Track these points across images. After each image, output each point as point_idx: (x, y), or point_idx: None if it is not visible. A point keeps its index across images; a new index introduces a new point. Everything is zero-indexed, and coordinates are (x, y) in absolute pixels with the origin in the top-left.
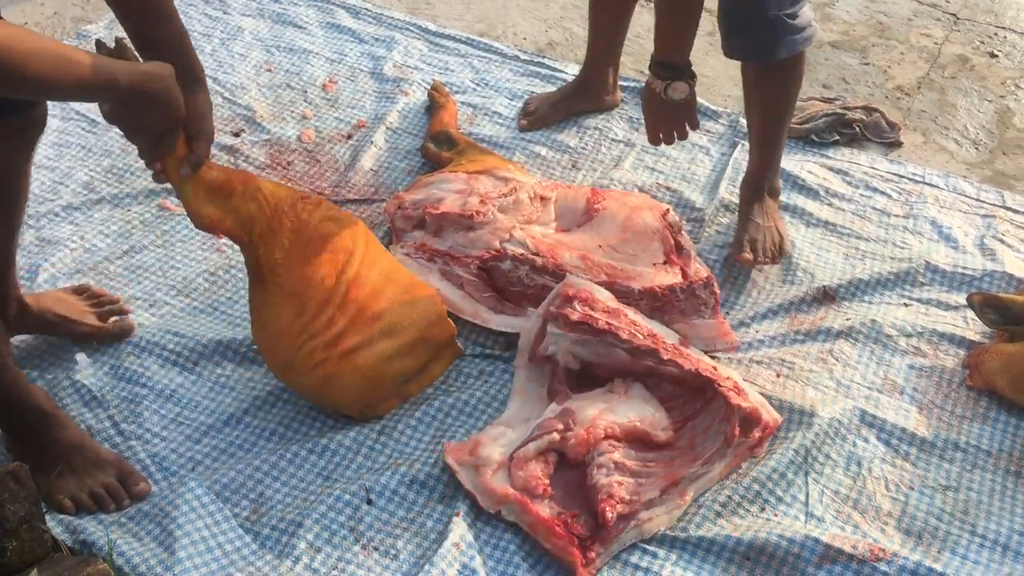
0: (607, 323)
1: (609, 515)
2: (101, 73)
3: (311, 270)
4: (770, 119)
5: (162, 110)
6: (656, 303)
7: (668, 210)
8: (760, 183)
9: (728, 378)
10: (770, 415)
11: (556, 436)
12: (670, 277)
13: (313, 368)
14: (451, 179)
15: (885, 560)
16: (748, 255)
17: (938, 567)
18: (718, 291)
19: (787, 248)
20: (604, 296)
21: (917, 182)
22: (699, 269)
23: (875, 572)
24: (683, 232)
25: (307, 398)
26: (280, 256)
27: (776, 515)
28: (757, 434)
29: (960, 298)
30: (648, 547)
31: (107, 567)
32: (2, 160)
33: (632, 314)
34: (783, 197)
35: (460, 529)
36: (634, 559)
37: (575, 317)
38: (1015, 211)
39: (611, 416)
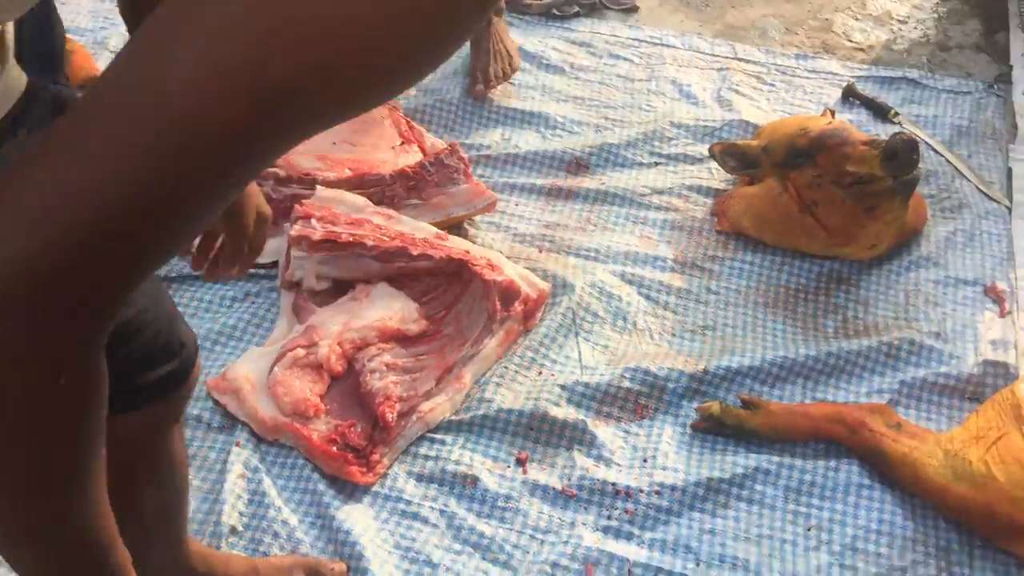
0: (351, 235)
1: (389, 416)
2: None
3: None
4: None
5: None
6: (410, 183)
7: None
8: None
9: (482, 257)
10: (533, 287)
11: (301, 352)
12: (412, 156)
13: None
14: None
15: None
16: (480, 87)
17: (704, 385)
18: (464, 155)
19: (517, 64)
20: (351, 201)
21: (656, 44)
22: (435, 142)
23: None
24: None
25: None
26: None
27: (553, 375)
28: (519, 307)
29: (704, 150)
30: (436, 436)
31: None
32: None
33: (378, 218)
34: (531, 77)
35: (243, 456)
36: (423, 450)
37: (317, 236)
38: (746, 61)
39: (359, 322)
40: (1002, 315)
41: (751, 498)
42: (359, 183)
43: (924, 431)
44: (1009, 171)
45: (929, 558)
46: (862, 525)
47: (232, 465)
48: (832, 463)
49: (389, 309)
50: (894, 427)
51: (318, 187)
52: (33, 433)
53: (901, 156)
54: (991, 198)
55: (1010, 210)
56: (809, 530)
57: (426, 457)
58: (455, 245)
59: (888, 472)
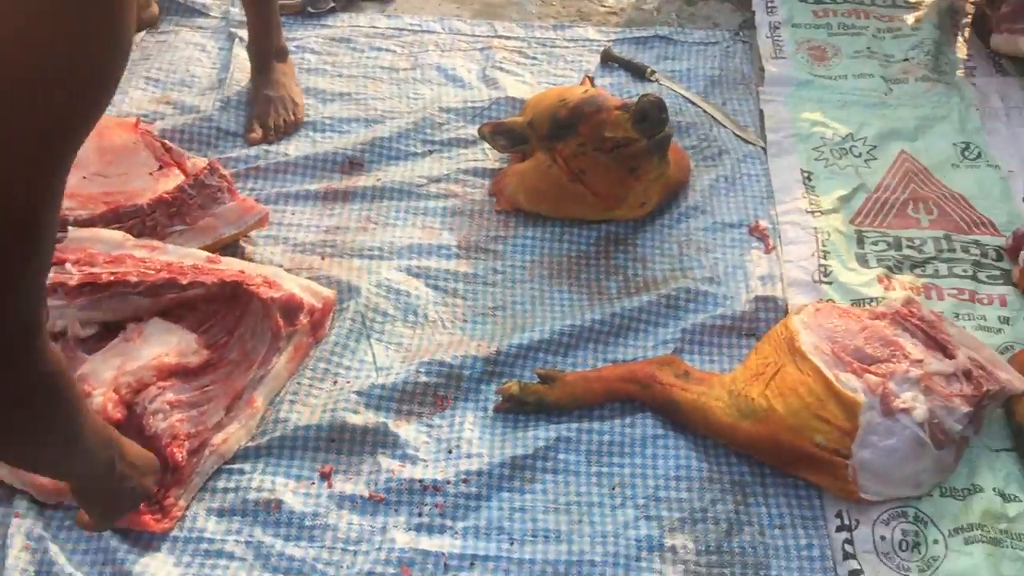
0: (111, 274)
1: (179, 456)
2: None
3: None
4: None
5: None
6: (171, 209)
7: (138, 119)
8: (264, 50)
9: (258, 275)
10: (318, 296)
11: None
12: (173, 179)
13: None
14: None
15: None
16: (256, 134)
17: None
18: (227, 172)
19: (302, 113)
20: (108, 238)
21: (417, 32)
22: (196, 161)
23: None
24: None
25: None
26: None
27: (348, 382)
28: (305, 319)
29: (475, 132)
30: (234, 466)
31: None
32: None
33: (141, 251)
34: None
35: (24, 526)
36: (222, 483)
37: (74, 281)
38: (506, 38)
39: (134, 363)
40: (767, 251)
41: (556, 468)
42: (115, 217)
43: (710, 375)
44: (761, 113)
45: (726, 494)
46: (661, 474)
47: (13, 539)
48: (628, 420)
49: (165, 345)
50: (682, 376)
51: (70, 228)
52: None
53: (650, 116)
54: (748, 141)
55: (765, 150)
56: (613, 488)
57: (226, 490)
58: (228, 267)
59: (681, 420)
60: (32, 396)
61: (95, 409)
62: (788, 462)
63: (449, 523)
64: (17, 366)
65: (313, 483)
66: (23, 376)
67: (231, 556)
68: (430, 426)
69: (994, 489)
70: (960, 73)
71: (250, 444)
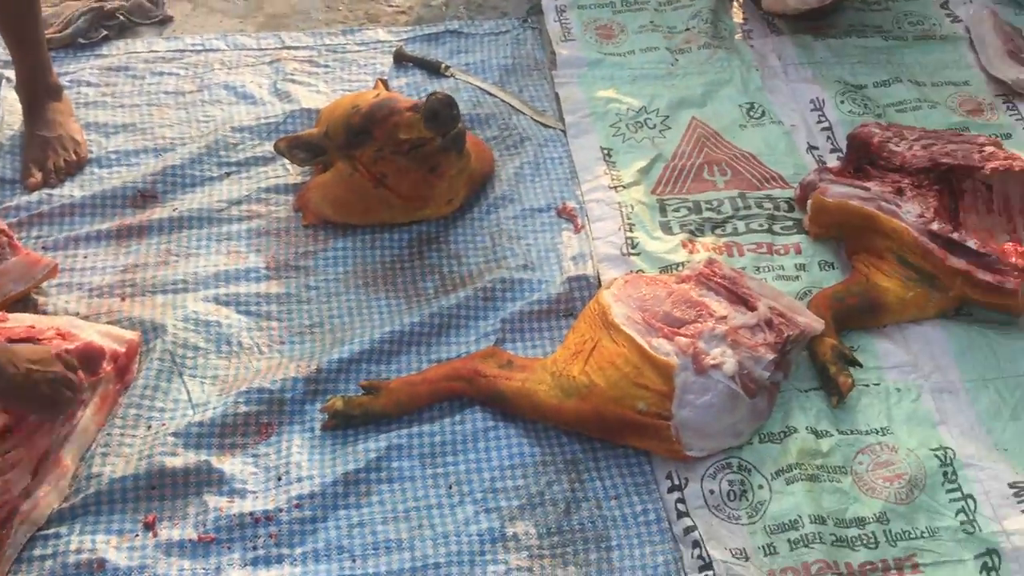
0: None
1: None
2: None
3: None
4: (24, 18)
5: None
6: None
7: None
8: (35, 89)
9: (49, 328)
10: (120, 340)
11: None
12: None
13: None
14: None
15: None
16: (35, 179)
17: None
18: (4, 225)
19: (84, 152)
20: None
21: (200, 51)
22: None
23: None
24: None
25: None
26: None
27: (164, 425)
28: (109, 366)
29: (272, 149)
30: (49, 531)
31: None
32: None
33: None
34: None
35: None
36: (38, 551)
37: None
38: (295, 48)
39: None
40: (577, 231)
41: (391, 477)
42: None
43: (533, 361)
44: (557, 96)
45: (561, 475)
46: (496, 466)
47: None
48: (457, 417)
49: None
50: (506, 365)
51: None
52: None
53: (440, 115)
54: (547, 125)
55: (565, 132)
56: (450, 488)
57: (43, 557)
58: (16, 324)
59: (509, 409)
60: None
61: None
62: (615, 433)
63: (286, 551)
64: None
65: (137, 535)
66: None
67: None
68: (256, 456)
69: (807, 428)
70: (738, 37)
71: (64, 505)
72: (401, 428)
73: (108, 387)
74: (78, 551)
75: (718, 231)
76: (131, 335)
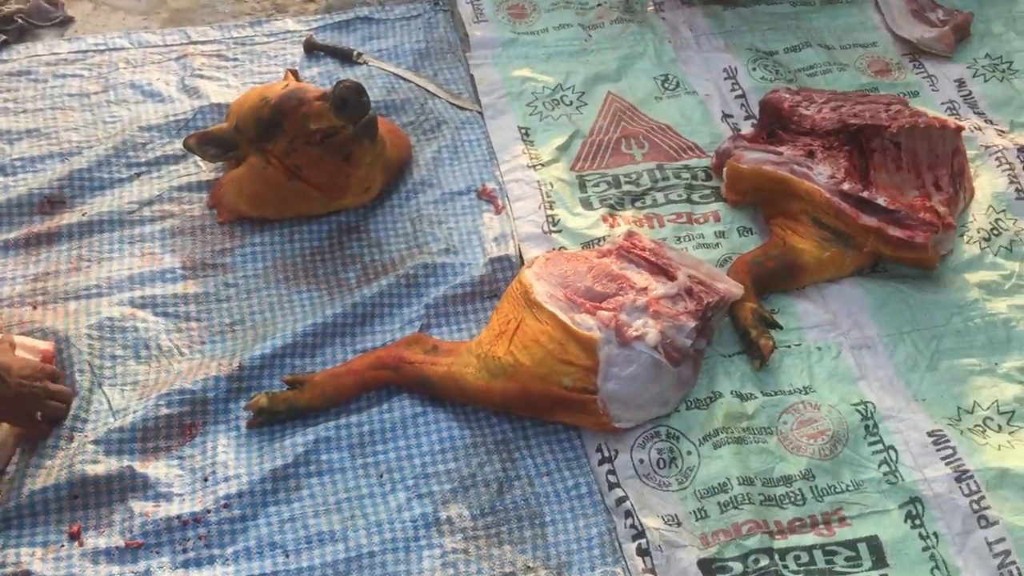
0: None
1: None
2: None
3: None
4: None
5: None
6: None
7: None
8: None
9: None
10: (32, 351)
11: None
12: None
13: None
14: None
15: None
16: None
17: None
18: None
19: None
20: None
21: (104, 51)
22: None
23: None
24: None
25: None
26: None
27: (85, 435)
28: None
29: (182, 146)
30: None
31: None
32: None
33: None
34: None
35: None
36: None
37: None
38: (202, 42)
39: None
40: (498, 212)
41: (320, 470)
42: None
43: (458, 344)
44: (472, 78)
45: (492, 456)
46: (427, 451)
47: None
48: (385, 406)
49: None
50: (431, 351)
51: None
52: None
53: (350, 102)
54: (464, 108)
55: (482, 114)
56: (381, 476)
57: None
58: None
59: (437, 394)
60: None
61: None
62: (543, 410)
63: (217, 552)
64: None
65: (63, 545)
66: None
67: None
68: (181, 458)
69: (732, 392)
70: (650, 9)
71: None
72: (328, 421)
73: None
74: (2, 564)
75: (638, 204)
76: (45, 345)
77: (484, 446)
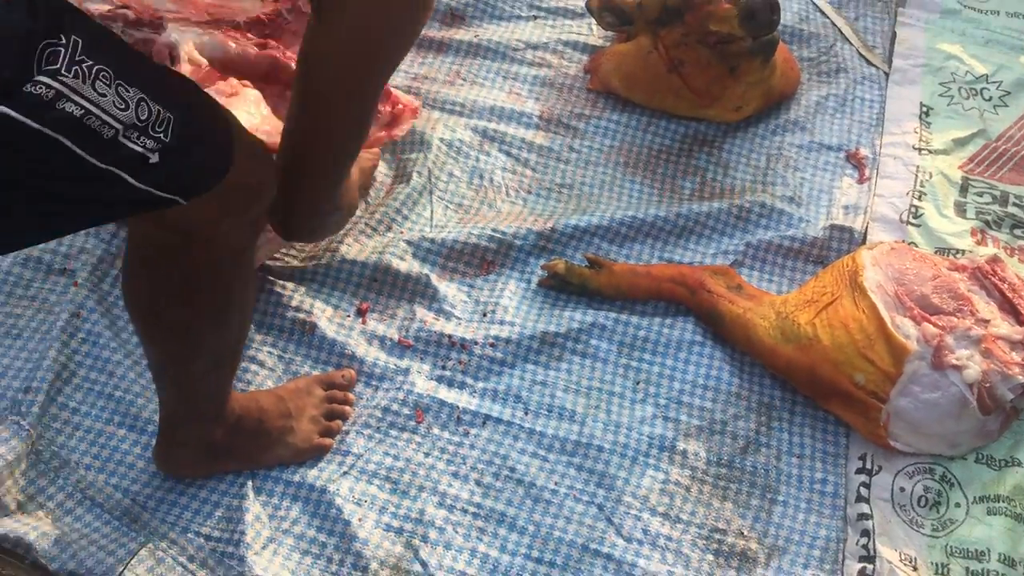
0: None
1: None
2: None
3: None
4: None
5: None
6: (265, 30)
7: None
8: None
9: None
10: (404, 98)
11: None
12: (271, 6)
13: None
14: None
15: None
16: None
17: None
18: None
19: None
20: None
21: None
22: None
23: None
24: None
25: None
26: None
27: (402, 232)
28: (387, 108)
29: (583, 4)
30: (277, 283)
31: None
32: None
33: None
34: None
35: (79, 296)
36: (262, 298)
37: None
38: None
39: None
40: (861, 181)
41: (584, 352)
42: (213, 26)
43: (762, 293)
44: (894, 36)
45: (750, 412)
46: (689, 380)
47: (67, 304)
48: (668, 320)
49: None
50: (734, 288)
51: (169, 26)
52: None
53: (759, 16)
54: (870, 63)
55: (887, 76)
56: (638, 383)
57: (267, 304)
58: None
59: (722, 332)
60: None
61: None
62: (822, 395)
63: (470, 381)
64: None
65: (349, 316)
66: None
67: (261, 364)
68: (471, 287)
69: None
70: None
71: (296, 266)
72: (611, 311)
73: (377, 132)
74: (296, 308)
75: (1017, 231)
76: (415, 103)
77: (746, 400)
